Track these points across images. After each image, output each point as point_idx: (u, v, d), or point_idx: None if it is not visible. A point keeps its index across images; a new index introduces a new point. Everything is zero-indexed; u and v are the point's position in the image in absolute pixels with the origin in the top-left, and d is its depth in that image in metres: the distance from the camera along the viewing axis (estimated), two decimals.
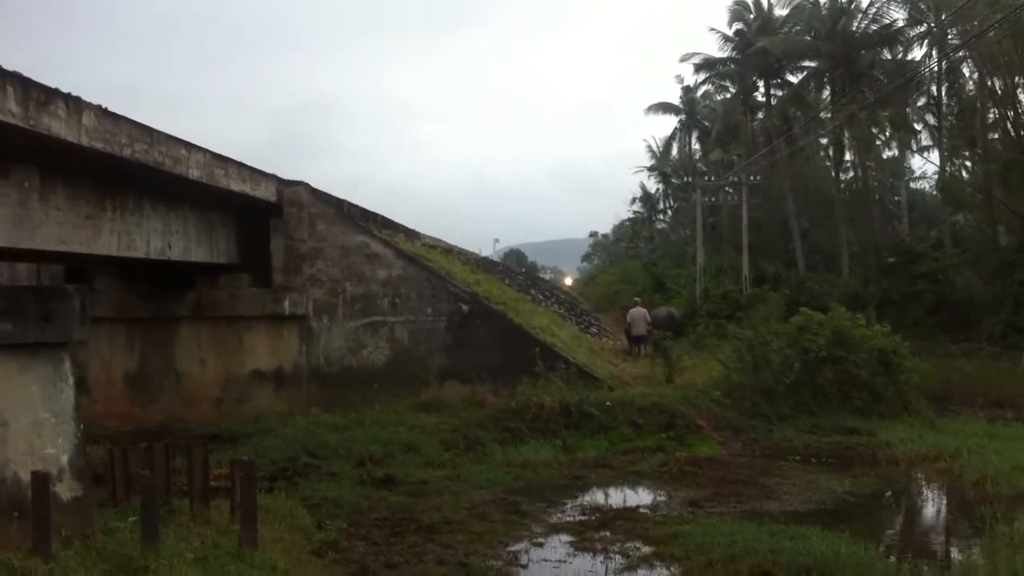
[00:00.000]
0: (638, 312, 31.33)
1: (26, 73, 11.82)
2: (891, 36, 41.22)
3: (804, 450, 18.07)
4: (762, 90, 49.50)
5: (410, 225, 32.68)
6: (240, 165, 20.09)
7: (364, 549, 11.57)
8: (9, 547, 9.20)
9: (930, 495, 16.09)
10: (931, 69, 39.83)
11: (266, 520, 11.14)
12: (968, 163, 43.40)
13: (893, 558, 10.83)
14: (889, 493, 15.74)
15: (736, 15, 49.13)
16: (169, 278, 21.93)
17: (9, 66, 11.41)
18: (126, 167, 15.18)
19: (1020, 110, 33.69)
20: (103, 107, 13.83)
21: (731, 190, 46.55)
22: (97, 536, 9.99)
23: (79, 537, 9.75)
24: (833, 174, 46.73)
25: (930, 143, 46.99)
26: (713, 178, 50.41)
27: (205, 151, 18.10)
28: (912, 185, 55.14)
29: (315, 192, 23.29)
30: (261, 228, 22.74)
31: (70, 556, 9.08)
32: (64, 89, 12.77)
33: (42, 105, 12.14)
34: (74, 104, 12.98)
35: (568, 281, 79.19)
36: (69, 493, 10.66)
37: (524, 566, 11.07)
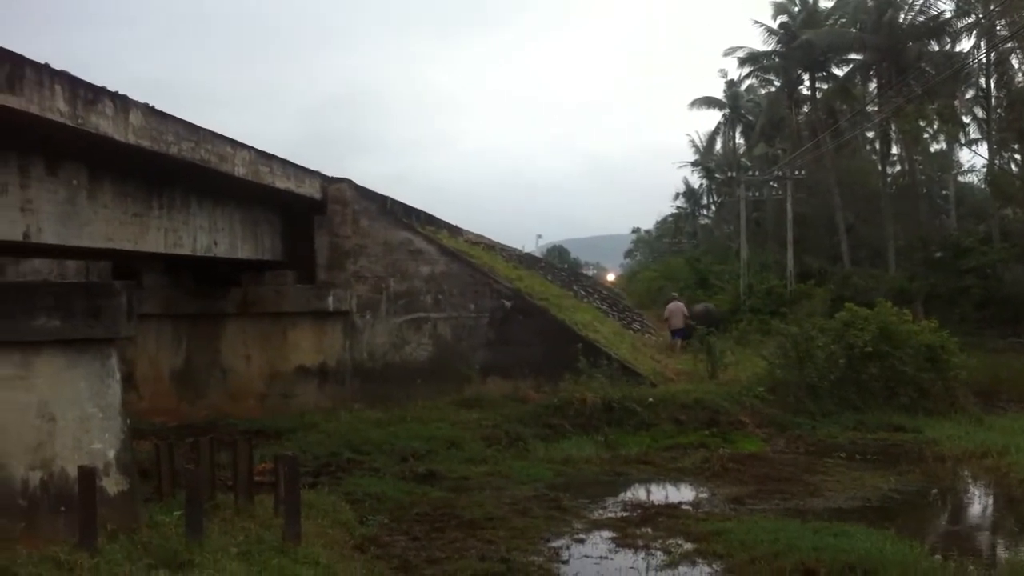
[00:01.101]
0: (676, 306, 32.31)
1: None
2: (938, 28, 40.76)
3: (849, 447, 17.87)
4: (807, 83, 49.00)
5: (452, 221, 32.83)
6: (284, 162, 20.22)
7: (406, 544, 11.60)
8: (56, 541, 9.34)
9: (976, 493, 15.89)
10: (979, 61, 39.33)
11: (309, 515, 11.22)
12: (1017, 156, 42.80)
13: (938, 556, 10.70)
14: (935, 491, 15.53)
15: (781, 8, 48.71)
16: (215, 275, 22.11)
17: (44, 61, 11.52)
18: (173, 165, 15.32)
19: None
20: (150, 105, 13.95)
21: (775, 185, 46.31)
22: (142, 530, 10.11)
23: (125, 531, 9.87)
24: (880, 168, 46.34)
25: (978, 136, 46.49)
26: (757, 173, 50.18)
27: (250, 149, 18.22)
28: (960, 179, 54.50)
29: (358, 189, 23.41)
30: (305, 225, 22.89)
31: (116, 550, 9.19)
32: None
33: (89, 104, 12.27)
34: (121, 103, 13.10)
35: (611, 277, 79.22)
36: (115, 487, 10.79)
37: (565, 562, 11.04)
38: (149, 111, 13.91)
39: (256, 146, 18.61)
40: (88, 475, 9.43)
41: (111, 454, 10.87)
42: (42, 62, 11.16)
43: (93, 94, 12.34)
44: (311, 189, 21.95)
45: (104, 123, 12.61)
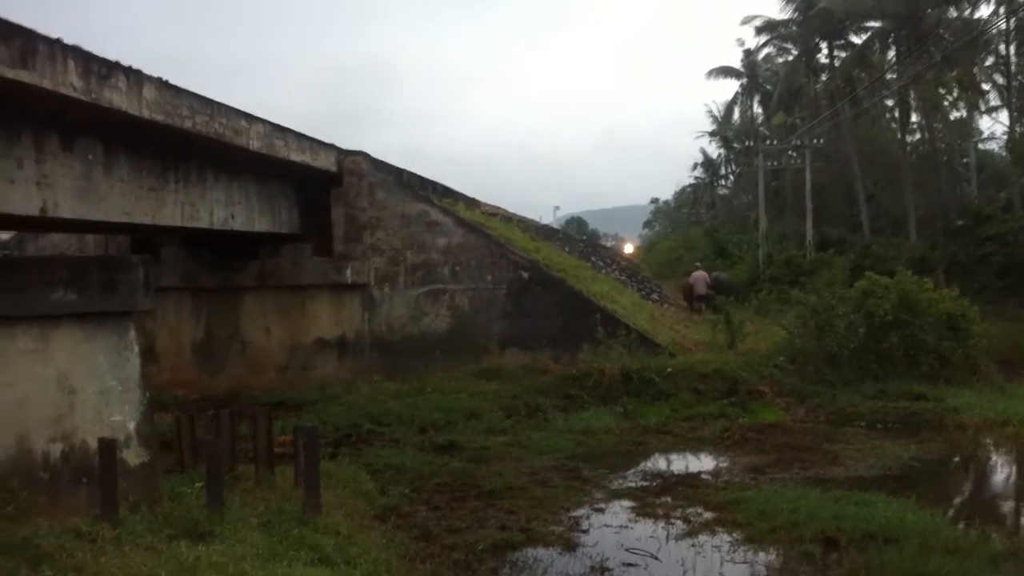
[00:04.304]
0: (699, 275, 33.94)
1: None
2: None
3: (869, 416, 17.79)
4: (825, 51, 48.44)
5: (469, 194, 32.75)
6: (299, 135, 20.19)
7: (426, 514, 11.65)
8: (78, 512, 9.37)
9: (998, 461, 15.81)
10: (999, 27, 38.84)
11: (329, 485, 11.24)
12: None
13: (960, 524, 10.67)
14: (956, 459, 15.48)
15: None
16: (233, 248, 22.16)
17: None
18: (188, 139, 15.33)
19: None
20: (163, 79, 13.95)
21: (794, 154, 45.96)
22: (163, 501, 10.14)
23: (146, 502, 9.90)
24: (899, 136, 45.86)
25: (999, 103, 45.97)
26: (775, 142, 49.74)
27: (265, 122, 18.21)
28: (980, 146, 53.90)
29: (374, 161, 23.36)
30: (322, 198, 22.87)
31: (137, 521, 9.21)
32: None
33: (103, 79, 12.27)
34: (135, 77, 13.10)
35: (629, 248, 78.85)
36: (136, 459, 10.85)
37: (585, 531, 11.05)
38: (163, 85, 13.91)
39: (272, 119, 18.60)
40: (109, 447, 9.46)
41: (131, 426, 10.93)
42: (55, 37, 11.15)
43: (107, 69, 12.34)
44: (326, 162, 21.92)
45: (118, 98, 12.62)
